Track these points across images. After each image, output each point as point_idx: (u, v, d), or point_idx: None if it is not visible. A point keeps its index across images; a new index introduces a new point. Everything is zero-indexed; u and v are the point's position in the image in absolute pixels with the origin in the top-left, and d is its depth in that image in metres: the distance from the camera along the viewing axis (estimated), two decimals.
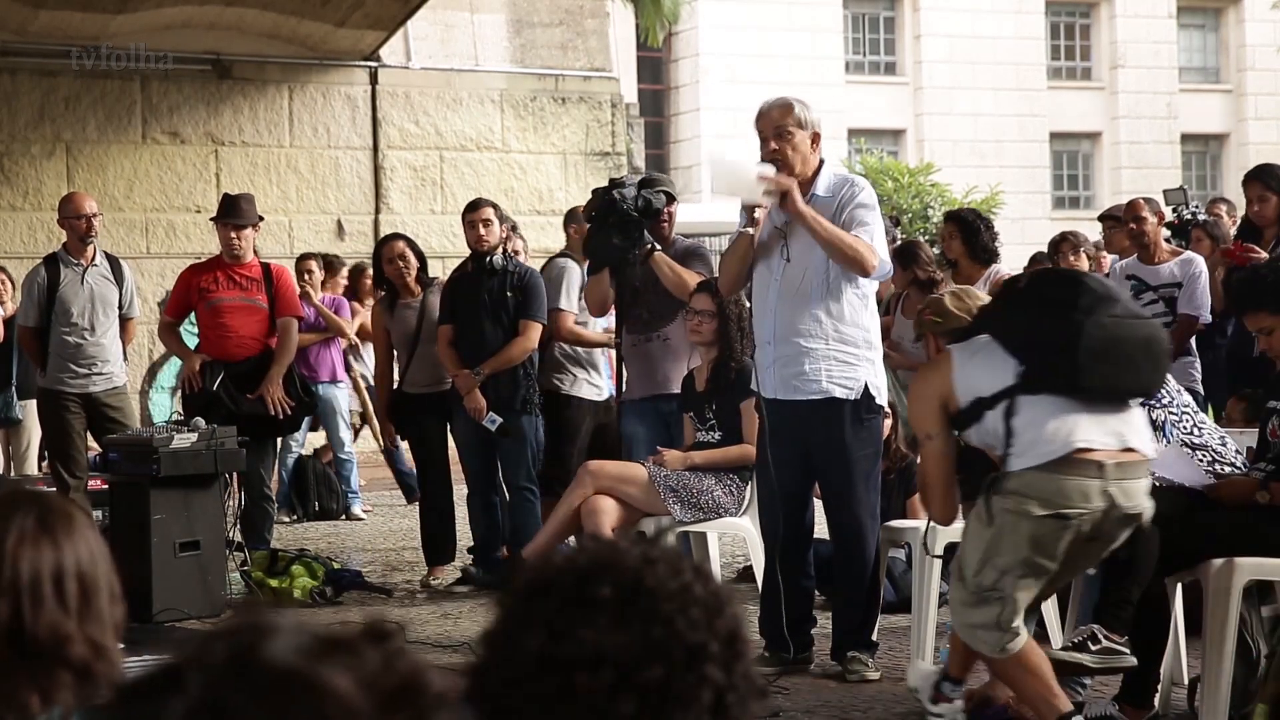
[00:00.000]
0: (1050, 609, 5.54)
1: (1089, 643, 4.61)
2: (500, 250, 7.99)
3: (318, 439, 11.72)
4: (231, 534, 7.86)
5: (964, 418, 4.52)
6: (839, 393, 5.71)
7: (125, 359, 8.70)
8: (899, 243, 8.82)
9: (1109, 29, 35.44)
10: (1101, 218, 10.45)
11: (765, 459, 5.89)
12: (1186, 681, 5.24)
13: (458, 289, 8.00)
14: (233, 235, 8.32)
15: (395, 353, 8.49)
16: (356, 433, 11.62)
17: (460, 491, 8.39)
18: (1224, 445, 5.09)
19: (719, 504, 6.58)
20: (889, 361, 6.94)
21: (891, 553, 6.40)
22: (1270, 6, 32.62)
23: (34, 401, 9.31)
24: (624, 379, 7.50)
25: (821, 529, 6.20)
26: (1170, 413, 5.01)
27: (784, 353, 5.74)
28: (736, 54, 32.41)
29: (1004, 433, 4.42)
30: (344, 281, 11.53)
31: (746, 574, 7.51)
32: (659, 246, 7.23)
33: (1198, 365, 8.16)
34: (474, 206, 8.08)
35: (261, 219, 8.66)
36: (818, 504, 6.10)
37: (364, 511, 11.33)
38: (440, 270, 10.46)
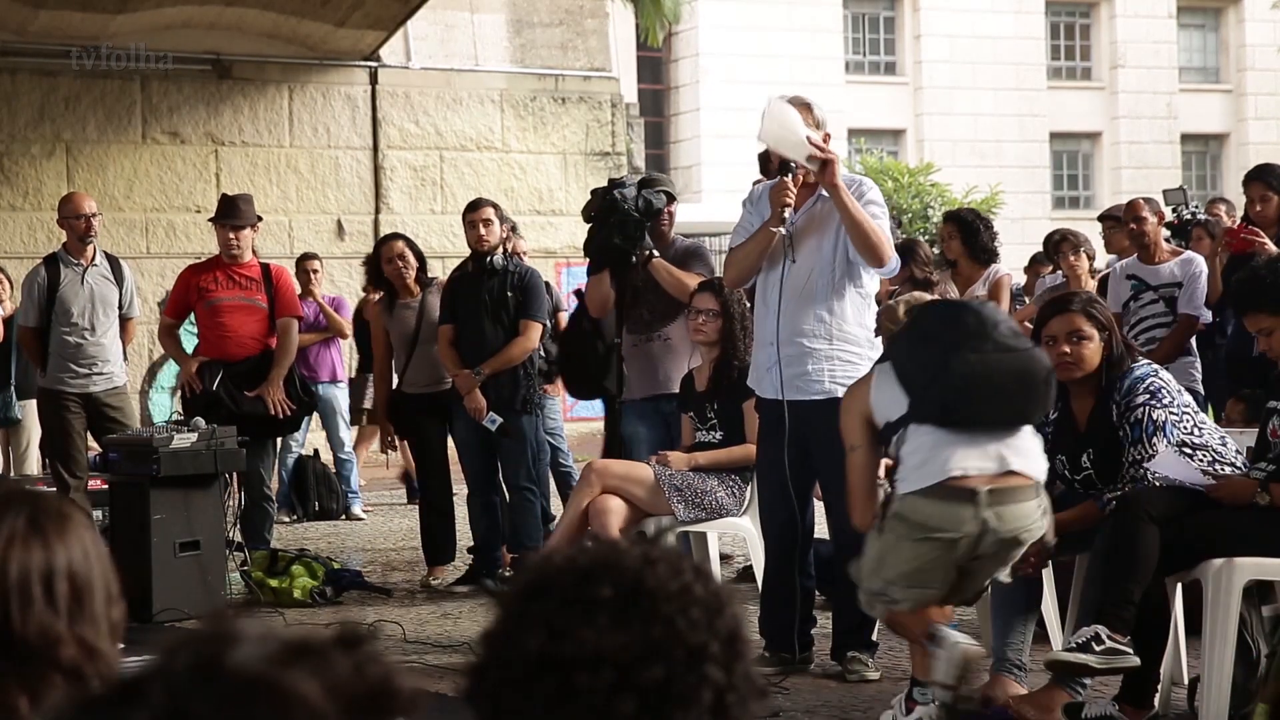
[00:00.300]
0: (1050, 609, 5.54)
1: (1093, 643, 4.61)
2: (500, 250, 7.99)
3: (318, 439, 11.73)
4: (231, 534, 7.85)
5: (882, 436, 4.78)
6: (842, 392, 5.71)
7: (125, 359, 8.70)
8: (898, 242, 8.82)
9: (1109, 29, 35.45)
10: (1101, 218, 10.44)
11: (767, 459, 5.90)
12: (1186, 681, 5.23)
13: (458, 289, 8.00)
14: (231, 235, 8.32)
15: (394, 353, 8.48)
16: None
17: (460, 491, 8.38)
18: (1224, 445, 5.09)
19: (721, 504, 6.57)
20: None
21: None
22: (1270, 6, 32.64)
23: (34, 401, 9.31)
24: (625, 379, 7.49)
25: (822, 529, 6.20)
26: (1170, 413, 5.01)
27: (787, 353, 5.75)
28: (736, 54, 32.42)
29: (895, 458, 4.71)
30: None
31: (746, 574, 7.50)
32: (656, 253, 7.24)
33: (1198, 365, 8.15)
34: (474, 206, 8.08)
35: (260, 219, 8.66)
36: (818, 504, 6.10)
37: (364, 511, 11.33)
38: (440, 270, 10.46)
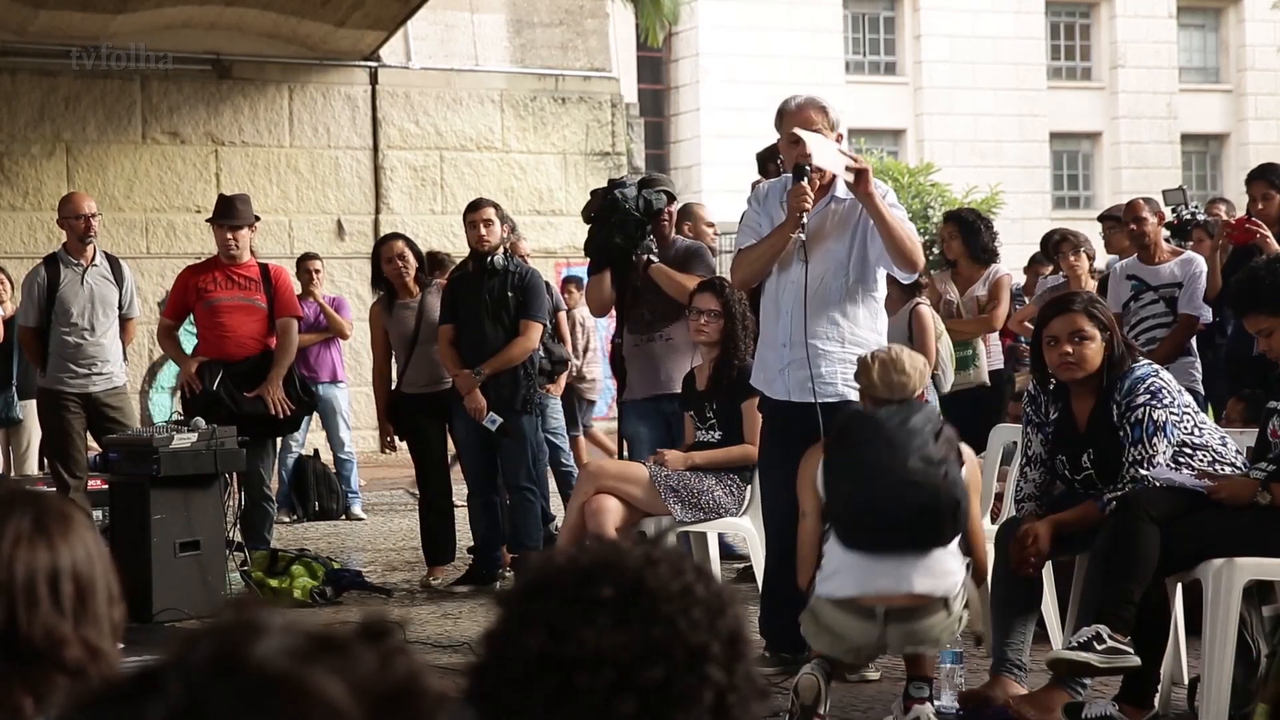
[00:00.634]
0: (1050, 609, 5.54)
1: (1094, 643, 4.62)
2: (501, 250, 7.99)
3: (318, 439, 11.73)
4: (231, 534, 7.85)
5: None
6: (854, 395, 5.71)
7: (125, 359, 8.70)
8: None
9: (1109, 29, 35.45)
10: (1101, 218, 10.43)
11: (770, 460, 5.89)
12: (1186, 681, 5.23)
13: (458, 289, 8.00)
14: (228, 236, 8.31)
15: (394, 353, 8.49)
16: None
17: (460, 491, 8.37)
18: (1224, 445, 5.09)
19: (719, 504, 6.56)
20: None
21: None
22: (1270, 6, 32.64)
23: (34, 401, 9.30)
24: (625, 379, 7.49)
25: None
26: (1171, 413, 5.01)
27: (799, 356, 5.73)
28: (736, 54, 32.42)
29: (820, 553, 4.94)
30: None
31: (746, 574, 7.50)
32: (655, 258, 7.23)
33: (1198, 365, 8.15)
34: (475, 206, 8.08)
35: (258, 219, 8.66)
36: None
37: (363, 511, 11.33)
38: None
